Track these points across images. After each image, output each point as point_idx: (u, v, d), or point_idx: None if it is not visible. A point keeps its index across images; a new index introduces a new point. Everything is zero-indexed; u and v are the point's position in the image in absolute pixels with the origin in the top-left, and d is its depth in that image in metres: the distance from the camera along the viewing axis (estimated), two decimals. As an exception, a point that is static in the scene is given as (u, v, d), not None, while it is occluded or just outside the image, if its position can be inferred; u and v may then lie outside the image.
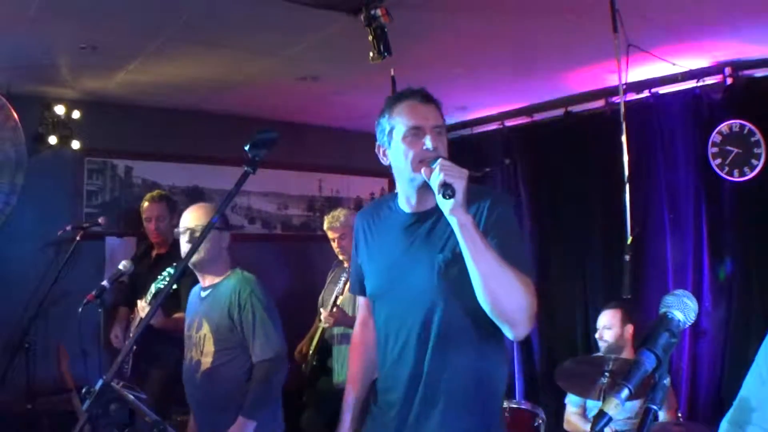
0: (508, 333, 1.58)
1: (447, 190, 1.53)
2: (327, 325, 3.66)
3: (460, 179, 1.54)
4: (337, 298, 3.70)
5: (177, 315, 3.30)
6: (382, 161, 1.80)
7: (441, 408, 1.67)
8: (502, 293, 1.53)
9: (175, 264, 3.33)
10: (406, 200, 1.79)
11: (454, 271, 1.63)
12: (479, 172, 4.74)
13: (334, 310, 3.61)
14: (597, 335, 3.51)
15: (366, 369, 1.96)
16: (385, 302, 1.82)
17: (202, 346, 2.47)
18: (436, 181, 1.55)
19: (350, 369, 2.03)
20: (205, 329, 2.49)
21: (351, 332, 3.68)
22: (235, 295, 2.45)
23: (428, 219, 1.73)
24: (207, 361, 2.45)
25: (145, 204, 3.79)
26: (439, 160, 1.58)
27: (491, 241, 1.59)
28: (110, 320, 3.73)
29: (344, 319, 3.64)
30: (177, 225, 2.61)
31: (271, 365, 2.40)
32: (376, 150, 1.81)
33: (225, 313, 2.44)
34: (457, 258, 1.61)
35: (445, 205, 1.55)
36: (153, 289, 3.14)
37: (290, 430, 3.96)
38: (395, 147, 1.73)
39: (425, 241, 1.71)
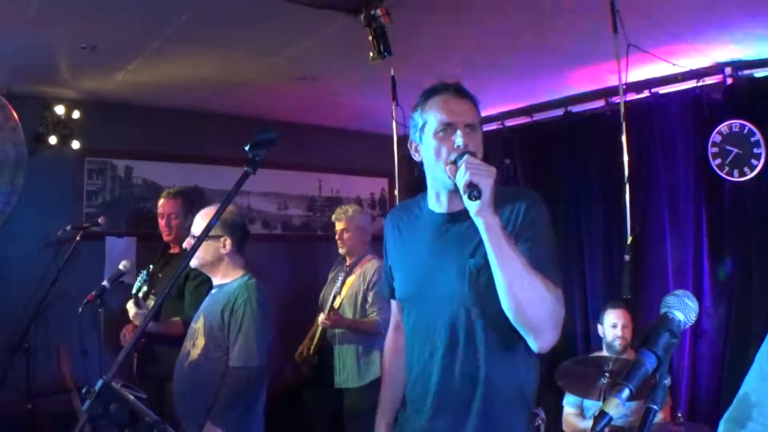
0: (532, 343, 1.53)
1: (473, 190, 1.45)
2: (326, 326, 3.65)
3: (487, 178, 1.46)
4: (335, 298, 3.69)
5: (173, 320, 3.29)
6: (414, 157, 1.75)
7: (470, 416, 1.62)
8: (526, 300, 1.47)
9: (151, 266, 3.33)
10: (436, 199, 1.73)
11: (485, 277, 1.57)
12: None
13: (331, 313, 3.60)
14: (615, 333, 3.47)
15: (398, 374, 1.89)
16: (413, 306, 1.76)
17: (195, 338, 2.51)
18: (461, 180, 1.48)
19: (383, 375, 1.99)
20: (200, 323, 2.52)
21: (351, 333, 3.72)
22: (232, 298, 2.47)
23: (460, 220, 1.66)
24: (195, 353, 2.47)
25: (160, 200, 3.70)
26: (465, 157, 1.51)
27: (522, 245, 1.54)
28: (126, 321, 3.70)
29: (341, 323, 3.64)
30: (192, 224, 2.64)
31: (241, 374, 2.38)
32: (408, 145, 1.76)
33: (219, 312, 2.47)
34: (489, 264, 1.55)
35: (472, 207, 1.48)
36: (133, 290, 3.14)
37: (291, 429, 3.99)
38: (426, 143, 1.66)
39: (456, 244, 1.65)
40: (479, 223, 1.50)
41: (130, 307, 3.11)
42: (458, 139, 1.58)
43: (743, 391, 1.50)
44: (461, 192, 1.50)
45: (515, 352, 1.62)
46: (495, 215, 1.49)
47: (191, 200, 3.72)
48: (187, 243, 2.58)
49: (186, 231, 3.64)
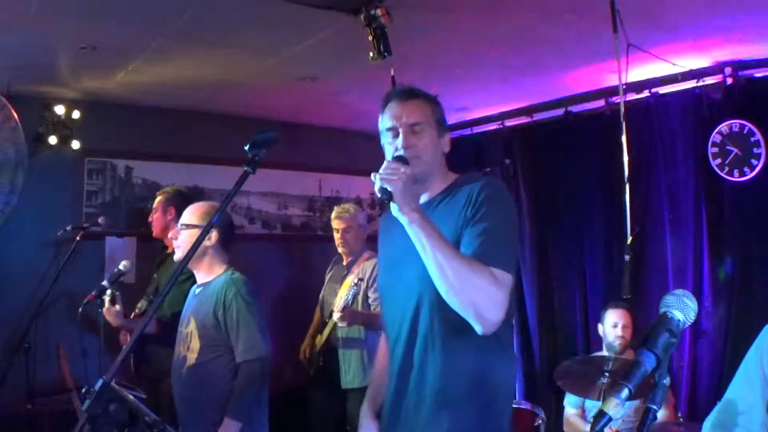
0: (475, 327, 1.56)
1: (384, 194, 1.55)
2: (342, 325, 3.59)
3: (395, 180, 1.54)
4: (345, 308, 3.61)
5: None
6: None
7: (429, 405, 1.66)
8: (455, 288, 1.52)
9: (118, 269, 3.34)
10: None
11: None
12: (479, 172, 4.74)
13: (345, 311, 3.54)
14: (615, 333, 3.47)
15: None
16: (386, 297, 1.86)
17: (189, 342, 2.51)
18: (376, 187, 1.58)
19: (375, 364, 2.11)
20: (192, 326, 2.52)
21: (356, 335, 3.71)
22: (221, 295, 2.48)
23: (424, 212, 1.74)
24: (192, 357, 2.47)
25: (157, 198, 3.72)
26: (385, 163, 1.62)
27: (471, 230, 1.61)
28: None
29: (356, 318, 3.61)
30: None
31: (253, 366, 2.41)
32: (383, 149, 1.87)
33: (210, 312, 2.47)
34: None
35: (392, 209, 1.57)
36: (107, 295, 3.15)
37: (297, 429, 3.99)
38: (384, 147, 1.81)
39: None
40: (403, 222, 1.57)
41: (106, 310, 3.12)
42: (399, 141, 1.72)
43: (730, 396, 1.50)
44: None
45: (482, 341, 1.62)
46: (414, 212, 1.55)
47: (173, 200, 3.68)
48: (174, 234, 2.61)
49: (169, 230, 3.65)
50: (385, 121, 1.78)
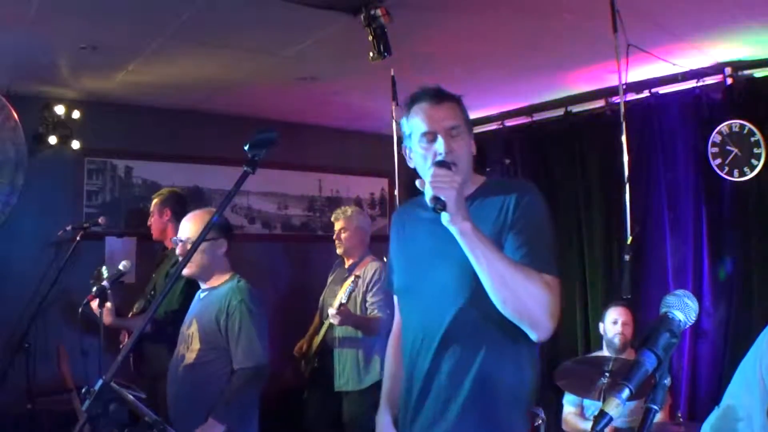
0: (530, 334, 1.55)
1: (437, 204, 1.50)
2: (335, 322, 3.59)
3: (449, 190, 1.49)
4: (341, 306, 3.62)
5: (139, 316, 3.28)
6: (408, 163, 1.80)
7: (454, 409, 1.64)
8: (511, 296, 1.51)
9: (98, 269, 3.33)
10: None
11: None
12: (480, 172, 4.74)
13: (341, 308, 3.55)
14: (615, 329, 3.47)
15: (401, 369, 1.89)
16: (408, 297, 1.81)
17: (190, 342, 2.53)
18: (427, 195, 1.52)
19: (386, 368, 2.02)
20: (194, 328, 2.54)
21: (352, 336, 3.71)
22: (225, 302, 2.49)
23: None
24: (191, 356, 2.49)
25: (154, 200, 3.72)
26: (432, 171, 1.56)
27: (513, 237, 1.59)
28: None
29: (349, 318, 3.61)
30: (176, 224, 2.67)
31: (250, 374, 2.42)
32: (402, 151, 1.81)
33: (213, 317, 2.49)
34: None
35: (442, 218, 1.52)
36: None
37: (292, 430, 3.99)
38: (415, 150, 1.73)
39: (455, 241, 1.62)
40: (453, 231, 1.52)
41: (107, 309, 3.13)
42: (440, 146, 1.64)
43: (729, 402, 1.48)
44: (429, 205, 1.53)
45: (511, 346, 1.63)
46: (466, 221, 1.51)
47: (167, 202, 3.68)
48: (180, 250, 2.59)
49: (165, 231, 3.67)
50: (418, 125, 1.69)
